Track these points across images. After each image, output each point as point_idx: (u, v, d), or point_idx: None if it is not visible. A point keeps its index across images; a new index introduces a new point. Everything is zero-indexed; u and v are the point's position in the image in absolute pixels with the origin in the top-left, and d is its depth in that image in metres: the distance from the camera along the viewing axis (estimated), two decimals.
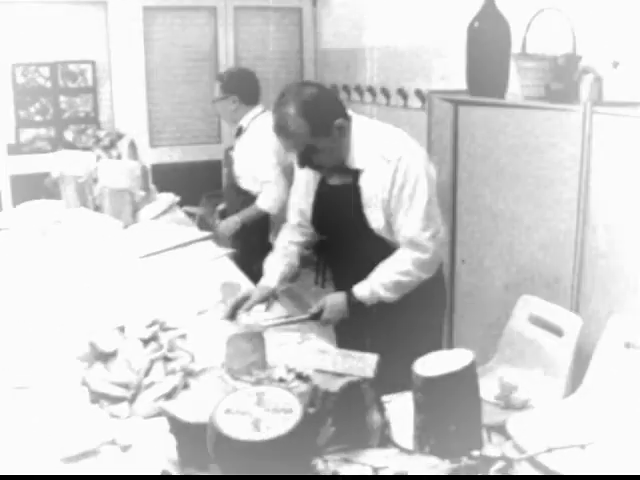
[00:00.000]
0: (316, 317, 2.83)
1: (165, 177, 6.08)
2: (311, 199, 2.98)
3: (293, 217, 3.15)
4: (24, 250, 4.18)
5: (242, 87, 4.46)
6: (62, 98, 6.63)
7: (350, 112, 2.83)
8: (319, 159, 2.76)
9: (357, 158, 2.76)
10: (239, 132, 4.50)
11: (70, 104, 6.65)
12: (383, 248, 2.81)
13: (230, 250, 4.01)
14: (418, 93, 5.31)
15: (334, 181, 2.86)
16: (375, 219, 2.77)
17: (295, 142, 2.70)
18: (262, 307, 3.09)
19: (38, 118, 6.57)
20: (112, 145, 5.11)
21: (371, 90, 6.07)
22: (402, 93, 5.56)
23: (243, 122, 4.46)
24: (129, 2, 6.64)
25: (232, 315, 2.93)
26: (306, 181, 2.99)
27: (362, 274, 2.81)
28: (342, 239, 2.94)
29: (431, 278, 2.86)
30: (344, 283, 2.90)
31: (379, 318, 2.88)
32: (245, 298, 2.98)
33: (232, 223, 4.46)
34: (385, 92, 5.83)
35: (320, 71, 7.22)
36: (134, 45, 6.76)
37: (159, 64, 6.92)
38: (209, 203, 5.69)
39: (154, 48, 6.89)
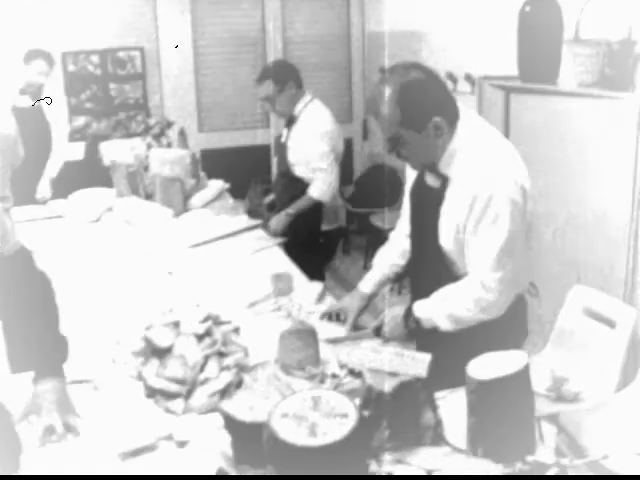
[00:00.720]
0: (377, 332, 2.68)
1: (214, 162, 6.13)
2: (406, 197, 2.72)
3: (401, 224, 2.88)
4: (77, 238, 4.26)
5: (293, 73, 4.45)
6: (112, 85, 6.70)
7: (461, 109, 2.45)
8: (406, 152, 2.43)
9: (450, 165, 2.40)
10: (290, 121, 4.48)
11: (120, 91, 6.72)
12: (451, 269, 2.53)
13: (280, 240, 4.02)
14: (468, 77, 5.25)
15: (429, 180, 2.52)
16: (446, 237, 2.46)
17: (383, 126, 2.37)
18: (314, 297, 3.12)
19: (89, 105, 6.65)
20: (162, 133, 5.14)
21: None
22: (451, 77, 5.51)
23: (296, 110, 4.44)
24: None
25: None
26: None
27: (430, 288, 2.53)
28: (417, 247, 2.68)
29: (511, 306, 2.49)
30: (415, 293, 2.70)
31: (445, 339, 2.53)
32: (340, 309, 2.91)
33: (284, 217, 4.39)
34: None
35: (368, 54, 7.19)
36: (182, 31, 6.80)
37: (207, 49, 6.95)
38: (257, 189, 5.70)
39: (202, 34, 6.92)
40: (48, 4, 6.37)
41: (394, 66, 2.39)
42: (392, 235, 2.92)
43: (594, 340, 2.87)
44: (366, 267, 6.21)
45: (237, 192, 5.22)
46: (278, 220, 4.38)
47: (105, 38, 6.60)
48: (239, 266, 3.61)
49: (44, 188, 5.34)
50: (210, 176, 5.19)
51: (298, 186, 4.45)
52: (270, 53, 7.06)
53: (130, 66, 6.71)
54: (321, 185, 4.36)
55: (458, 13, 5.40)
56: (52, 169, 5.50)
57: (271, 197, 4.89)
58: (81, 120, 6.64)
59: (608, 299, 2.91)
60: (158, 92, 6.84)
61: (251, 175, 6.20)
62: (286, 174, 4.53)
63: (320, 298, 3.12)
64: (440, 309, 2.49)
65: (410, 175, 2.67)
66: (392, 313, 2.61)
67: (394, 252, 2.86)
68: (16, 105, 5.21)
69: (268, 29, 7.05)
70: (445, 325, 2.48)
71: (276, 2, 7.01)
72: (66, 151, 5.81)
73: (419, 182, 2.58)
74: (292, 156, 4.48)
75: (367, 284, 2.90)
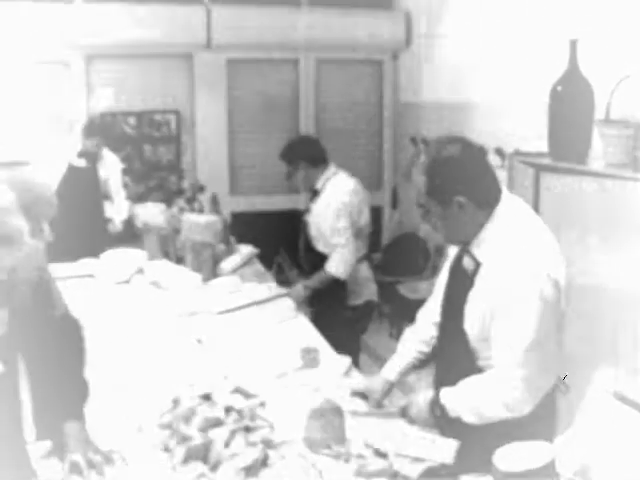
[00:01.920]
0: (404, 413, 2.61)
1: (244, 226, 6.18)
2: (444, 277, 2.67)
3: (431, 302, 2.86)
4: (107, 298, 4.31)
5: (307, 152, 4.50)
6: (146, 146, 6.83)
7: (505, 193, 2.44)
8: (433, 223, 2.45)
9: (482, 249, 2.39)
10: (314, 194, 4.52)
11: (154, 152, 6.84)
12: (475, 357, 2.46)
13: (306, 310, 4.04)
14: (498, 151, 5.29)
15: (465, 262, 2.47)
16: (471, 324, 2.41)
17: (415, 191, 2.42)
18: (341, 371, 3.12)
19: (123, 165, 6.76)
20: (194, 197, 5.23)
21: None
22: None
23: (318, 185, 4.49)
24: (214, 54, 6.81)
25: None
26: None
27: (455, 374, 2.47)
28: (444, 329, 2.63)
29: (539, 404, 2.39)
30: (440, 377, 2.66)
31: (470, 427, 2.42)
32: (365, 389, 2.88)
33: (301, 289, 4.41)
34: None
35: (399, 123, 7.28)
36: (217, 95, 6.94)
37: (241, 114, 7.09)
38: (286, 256, 5.75)
39: (236, 98, 7.06)
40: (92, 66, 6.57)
41: (439, 137, 2.48)
42: (419, 315, 2.90)
43: (623, 425, 2.83)
44: (391, 336, 6.20)
45: (267, 257, 5.27)
46: (297, 292, 4.38)
47: (142, 100, 6.76)
48: (267, 335, 3.63)
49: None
50: (240, 240, 5.25)
51: (319, 259, 4.47)
52: (302, 118, 7.17)
53: (165, 128, 6.85)
54: (337, 261, 4.35)
55: (491, 86, 5.47)
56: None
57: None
58: None
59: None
60: (191, 154, 6.95)
61: (281, 240, 6.24)
62: (309, 247, 4.57)
63: (347, 372, 3.12)
64: (465, 402, 2.41)
65: (450, 253, 2.66)
66: (419, 397, 2.56)
67: (420, 339, 2.84)
68: (72, 164, 5.56)
69: (301, 95, 7.17)
70: (469, 419, 2.39)
71: (311, 70, 7.14)
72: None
73: (457, 262, 2.55)
74: (313, 231, 4.52)
75: (391, 372, 2.86)
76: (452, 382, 2.45)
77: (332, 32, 6.84)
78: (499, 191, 2.41)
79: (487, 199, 2.38)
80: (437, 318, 2.71)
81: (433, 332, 2.75)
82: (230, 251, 4.90)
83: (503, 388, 2.32)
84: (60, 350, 2.38)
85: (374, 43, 7.05)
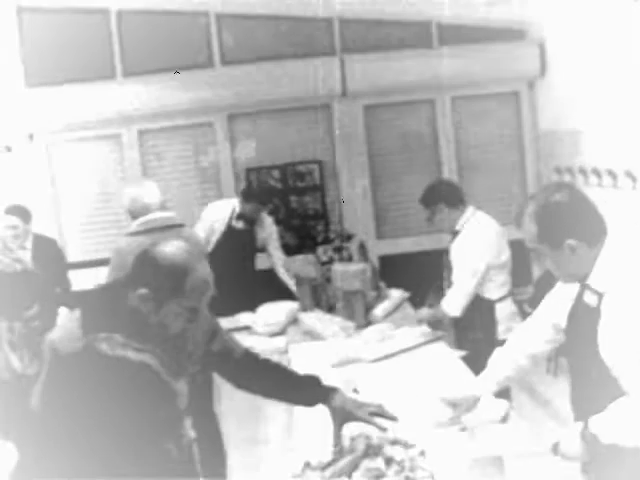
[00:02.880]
0: (555, 449, 2.50)
1: (393, 269, 6.24)
2: (565, 314, 2.68)
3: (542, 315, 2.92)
4: (265, 348, 4.45)
5: (444, 194, 4.53)
6: (292, 197, 7.03)
7: (609, 224, 2.50)
8: (549, 265, 2.54)
9: (602, 279, 2.44)
10: (453, 236, 4.53)
11: (300, 203, 7.03)
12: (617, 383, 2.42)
13: (461, 352, 4.02)
14: (628, 174, 5.17)
15: (587, 298, 2.51)
16: (609, 352, 2.40)
17: (525, 237, 2.53)
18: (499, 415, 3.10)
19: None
20: (342, 246, 5.33)
21: (596, 172, 5.96)
22: (611, 174, 5.43)
23: (458, 226, 4.50)
24: (351, 102, 6.97)
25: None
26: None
27: (597, 403, 2.45)
28: (577, 364, 2.66)
29: None
30: (579, 411, 2.64)
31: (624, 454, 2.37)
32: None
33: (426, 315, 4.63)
34: (611, 174, 5.70)
35: (540, 152, 7.17)
36: (357, 141, 7.08)
37: (381, 157, 7.18)
38: (438, 297, 5.71)
39: (377, 141, 7.16)
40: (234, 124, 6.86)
41: (546, 185, 2.69)
42: (510, 341, 3.04)
43: None
44: (548, 371, 6.07)
45: (418, 300, 5.27)
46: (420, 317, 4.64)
47: (285, 153, 7.00)
48: (422, 381, 3.64)
49: None
50: (390, 284, 5.30)
51: None
52: (444, 157, 7.19)
53: (309, 178, 7.03)
54: (450, 298, 4.49)
55: (626, 111, 5.35)
56: None
57: None
58: None
59: None
60: (336, 202, 7.10)
61: (431, 281, 6.22)
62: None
63: (505, 417, 3.09)
64: (620, 425, 2.36)
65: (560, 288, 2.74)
66: (568, 432, 2.50)
67: (510, 361, 2.99)
68: (232, 225, 5.78)
69: (440, 134, 7.19)
70: (628, 442, 2.34)
71: (447, 107, 7.17)
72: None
73: (577, 299, 2.58)
74: (455, 271, 4.54)
75: (481, 386, 3.03)
76: (593, 406, 2.44)
77: (466, 69, 6.86)
78: (605, 225, 2.49)
79: (596, 237, 2.46)
80: (533, 349, 2.91)
81: (523, 361, 2.95)
82: (381, 297, 4.96)
83: None
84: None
85: (509, 75, 7.01)
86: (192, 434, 2.50)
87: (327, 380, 3.70)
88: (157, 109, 6.68)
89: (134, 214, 4.16)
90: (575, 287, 2.58)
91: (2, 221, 5.40)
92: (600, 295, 2.44)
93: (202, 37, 6.89)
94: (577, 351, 2.62)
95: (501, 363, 3.00)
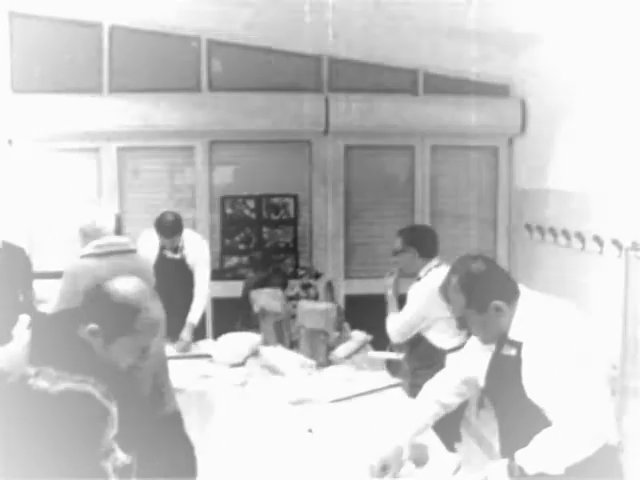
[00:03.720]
0: None
1: (359, 310, 6.26)
2: (481, 369, 2.97)
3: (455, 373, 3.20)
4: (220, 380, 4.46)
5: (421, 241, 4.58)
6: (265, 229, 7.06)
7: (521, 289, 2.84)
8: (474, 329, 2.89)
9: (519, 330, 2.77)
10: (416, 281, 4.58)
11: (272, 235, 7.06)
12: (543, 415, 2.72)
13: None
14: (615, 242, 5.24)
15: (505, 351, 2.83)
16: (534, 391, 2.71)
17: (452, 308, 2.87)
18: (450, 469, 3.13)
19: (242, 247, 7.01)
20: (310, 284, 5.35)
21: (565, 233, 6.05)
22: (598, 240, 5.50)
23: (421, 273, 4.55)
24: (331, 141, 7.03)
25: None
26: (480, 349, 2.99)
27: (524, 438, 2.70)
28: (501, 408, 2.95)
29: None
30: (506, 447, 2.87)
31: None
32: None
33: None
34: (580, 237, 5.78)
35: (514, 210, 7.27)
36: (335, 178, 7.13)
37: (357, 196, 7.23)
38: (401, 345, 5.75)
39: (354, 181, 7.22)
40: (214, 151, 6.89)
41: (461, 257, 2.92)
42: (429, 388, 3.23)
43: None
44: None
45: (380, 343, 5.30)
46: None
47: (261, 185, 7.03)
48: (379, 425, 3.66)
49: (186, 334, 5.34)
50: (354, 324, 5.32)
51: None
52: (418, 203, 7.26)
53: (283, 212, 7.07)
54: (390, 323, 4.57)
55: (610, 175, 5.43)
56: (194, 315, 5.51)
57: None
58: (234, 260, 7.00)
59: None
60: (308, 238, 7.13)
61: None
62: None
63: (456, 471, 3.13)
64: (545, 455, 2.62)
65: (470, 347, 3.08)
66: (494, 467, 2.73)
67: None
68: (165, 256, 5.57)
69: (417, 180, 7.26)
70: (553, 468, 2.60)
71: (426, 155, 7.25)
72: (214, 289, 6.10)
73: (496, 353, 2.86)
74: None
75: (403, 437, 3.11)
76: (520, 443, 2.69)
77: (447, 119, 6.95)
78: (516, 285, 2.85)
79: (513, 296, 2.81)
80: (445, 400, 3.16)
81: (438, 410, 3.16)
82: (344, 337, 4.99)
83: (575, 431, 2.60)
84: (170, 447, 2.48)
85: (489, 130, 7.12)
86: (125, 458, 2.48)
87: (284, 418, 3.76)
88: (139, 127, 6.68)
89: (87, 234, 4.13)
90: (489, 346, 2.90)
91: None
92: (519, 345, 2.76)
93: (192, 61, 6.93)
94: (501, 396, 2.90)
95: (420, 413, 3.18)
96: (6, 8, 6.64)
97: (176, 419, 2.62)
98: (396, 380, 4.39)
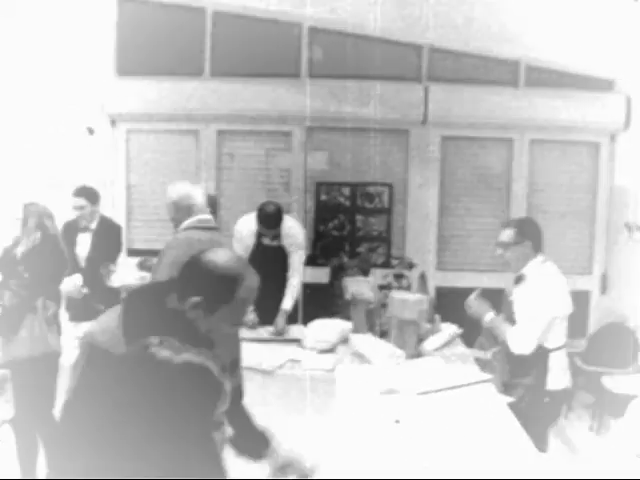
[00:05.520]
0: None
1: (450, 302, 6.22)
2: None
3: None
4: (313, 364, 4.50)
5: (535, 234, 4.47)
6: (358, 217, 7.08)
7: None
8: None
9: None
10: (519, 280, 4.47)
11: (365, 223, 7.08)
12: None
13: (509, 398, 4.01)
14: None
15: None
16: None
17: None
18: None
19: (335, 233, 7.05)
20: (403, 275, 5.35)
21: None
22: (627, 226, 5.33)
23: (526, 270, 4.43)
24: (429, 131, 6.99)
25: None
26: None
27: None
28: None
29: None
30: None
31: None
32: None
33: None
34: None
35: (614, 208, 7.11)
36: (431, 170, 7.09)
37: (453, 190, 7.19)
38: (489, 336, 5.70)
39: (450, 174, 7.18)
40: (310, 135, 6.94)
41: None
42: None
43: None
44: (591, 429, 5.99)
45: (470, 337, 5.27)
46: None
47: (357, 173, 7.04)
48: (466, 419, 3.64)
49: (281, 321, 5.38)
50: (444, 317, 5.29)
51: None
52: (514, 198, 7.16)
53: (377, 200, 7.07)
54: (517, 337, 4.34)
55: None
56: (288, 302, 5.55)
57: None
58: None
59: None
60: (402, 227, 7.12)
61: None
62: None
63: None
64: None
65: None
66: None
67: None
68: (262, 242, 5.62)
69: (514, 174, 7.17)
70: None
71: (525, 148, 7.14)
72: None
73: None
74: (516, 314, 4.48)
75: None
76: None
77: (548, 113, 6.84)
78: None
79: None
80: None
81: None
82: (434, 330, 4.97)
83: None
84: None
85: (591, 125, 6.96)
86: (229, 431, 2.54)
87: (371, 406, 3.77)
88: (239, 112, 6.78)
89: (179, 209, 4.19)
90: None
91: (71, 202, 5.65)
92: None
93: (292, 47, 6.98)
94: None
95: None
96: None
97: (238, 393, 2.69)
98: (487, 376, 4.34)
